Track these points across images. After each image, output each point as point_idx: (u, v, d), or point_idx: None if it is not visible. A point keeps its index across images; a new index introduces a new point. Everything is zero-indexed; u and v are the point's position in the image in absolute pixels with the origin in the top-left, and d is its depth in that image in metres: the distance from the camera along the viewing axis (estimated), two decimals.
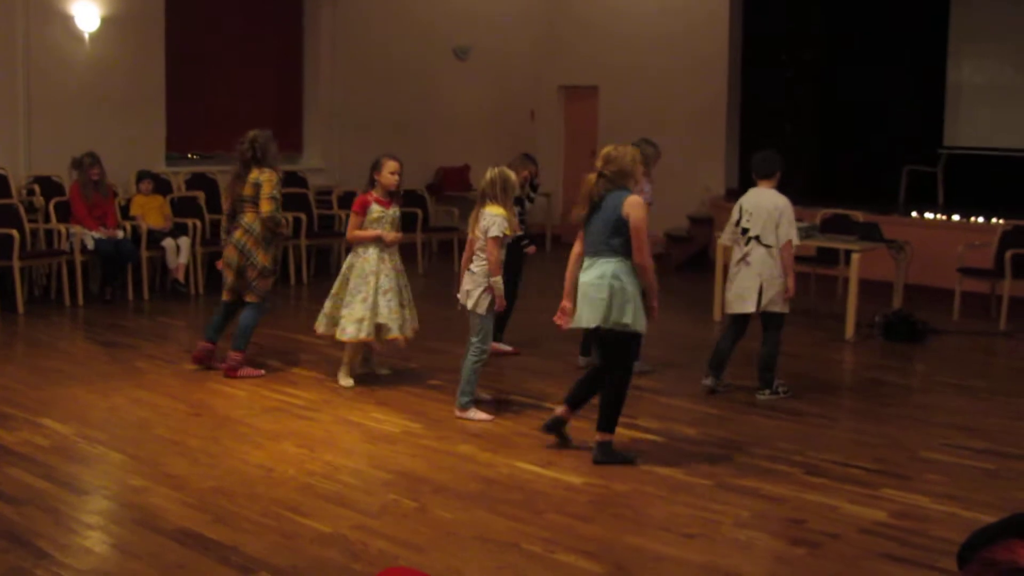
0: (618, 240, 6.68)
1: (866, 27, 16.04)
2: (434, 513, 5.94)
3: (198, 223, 12.92)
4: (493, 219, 7.67)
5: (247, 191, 8.85)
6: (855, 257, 10.81)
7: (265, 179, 8.81)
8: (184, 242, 12.54)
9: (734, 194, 16.38)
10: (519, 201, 9.75)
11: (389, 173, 8.48)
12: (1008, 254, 11.63)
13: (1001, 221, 12.69)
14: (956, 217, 14.00)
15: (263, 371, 9.07)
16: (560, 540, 5.54)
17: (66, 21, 13.09)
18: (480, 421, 7.72)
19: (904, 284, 11.80)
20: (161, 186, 13.24)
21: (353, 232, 8.53)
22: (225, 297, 9.10)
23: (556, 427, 7.09)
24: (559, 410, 7.11)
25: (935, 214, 14.41)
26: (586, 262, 6.83)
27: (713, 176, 16.66)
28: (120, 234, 12.08)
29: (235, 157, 9.05)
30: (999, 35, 15.32)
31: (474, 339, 7.81)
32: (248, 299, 8.97)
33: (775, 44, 16.58)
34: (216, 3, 14.71)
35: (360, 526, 5.69)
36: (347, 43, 15.82)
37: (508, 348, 9.93)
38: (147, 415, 7.82)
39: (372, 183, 8.54)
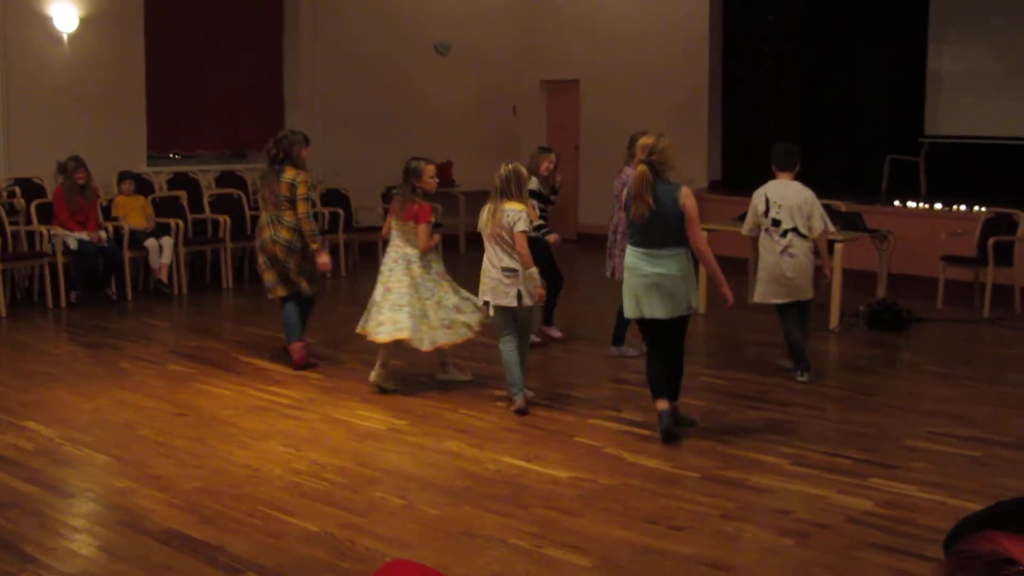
0: (682, 231, 7.04)
1: (847, 16, 16.05)
2: (421, 510, 5.93)
3: (180, 223, 12.87)
4: (518, 215, 7.71)
5: (284, 191, 8.97)
6: (838, 247, 10.80)
7: (300, 180, 8.96)
8: (167, 242, 12.50)
9: (717, 186, 16.44)
10: (543, 199, 9.80)
11: (430, 177, 8.41)
12: (991, 241, 11.65)
13: (983, 209, 12.71)
14: (939, 206, 14.02)
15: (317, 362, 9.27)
16: (547, 535, 5.53)
17: (44, 22, 13.03)
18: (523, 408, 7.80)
19: (888, 273, 11.81)
20: (143, 186, 13.19)
21: (428, 242, 8.32)
22: (280, 293, 9.14)
23: (673, 422, 7.24)
24: (663, 405, 7.21)
25: (918, 203, 14.43)
26: (650, 253, 7.07)
27: (696, 168, 16.66)
28: (103, 236, 12.01)
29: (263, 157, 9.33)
30: (979, 23, 15.34)
31: (527, 334, 8.03)
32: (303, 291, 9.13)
33: (756, 35, 16.58)
34: (195, 2, 14.65)
35: (347, 524, 5.68)
36: (328, 40, 15.77)
37: (558, 334, 10.02)
38: (132, 416, 7.79)
39: (413, 189, 8.33)
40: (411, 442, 7.17)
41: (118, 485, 6.37)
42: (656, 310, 7.04)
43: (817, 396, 8.39)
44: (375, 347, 8.36)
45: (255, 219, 13.74)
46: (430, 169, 8.41)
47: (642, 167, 7.04)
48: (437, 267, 8.42)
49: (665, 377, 7.25)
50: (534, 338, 9.81)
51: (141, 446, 7.11)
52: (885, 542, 5.46)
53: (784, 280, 8.62)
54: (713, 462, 6.73)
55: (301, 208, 8.93)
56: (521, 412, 7.71)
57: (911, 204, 14.36)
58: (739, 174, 16.13)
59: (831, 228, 8.76)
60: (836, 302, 10.71)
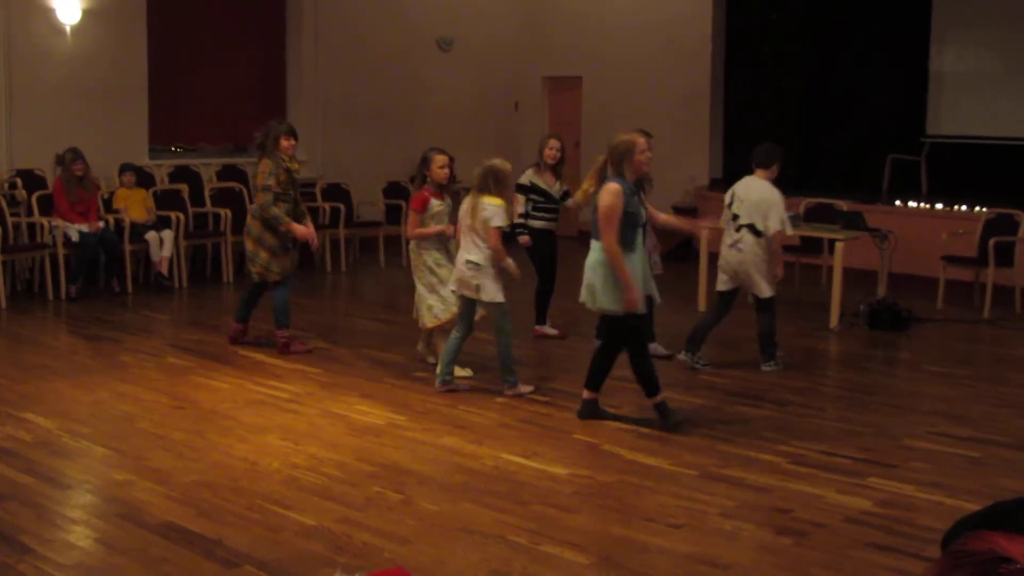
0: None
1: (848, 15, 16.04)
2: (419, 505, 5.93)
3: (181, 216, 12.87)
4: (495, 210, 7.91)
5: (258, 180, 9.33)
6: (839, 246, 10.82)
7: (260, 169, 9.10)
8: (167, 235, 12.50)
9: (718, 184, 16.42)
10: (547, 196, 9.82)
11: (438, 167, 8.50)
12: (991, 242, 11.65)
13: (984, 209, 12.71)
14: (940, 205, 14.01)
15: (311, 348, 9.50)
16: (545, 531, 5.53)
17: (47, 14, 13.03)
18: (527, 393, 8.10)
19: (888, 273, 11.81)
20: (144, 179, 13.19)
21: (416, 230, 8.58)
22: (273, 277, 9.42)
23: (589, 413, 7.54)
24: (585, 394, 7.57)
25: (919, 203, 14.42)
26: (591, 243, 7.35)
27: (697, 166, 16.67)
28: (100, 225, 12.02)
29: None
30: (982, 23, 15.33)
31: (500, 328, 8.08)
32: (272, 280, 9.38)
33: (758, 33, 16.58)
34: None
35: (345, 519, 5.67)
36: (330, 35, 15.76)
37: (554, 331, 10.04)
38: (131, 409, 7.79)
39: (424, 179, 8.57)
40: (409, 437, 7.17)
41: (116, 477, 6.37)
42: (581, 294, 7.39)
43: (816, 395, 8.39)
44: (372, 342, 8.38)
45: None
46: (440, 159, 8.51)
47: (600, 158, 7.31)
48: (428, 257, 8.53)
49: (597, 365, 7.59)
50: (549, 331, 9.90)
51: (140, 439, 7.10)
52: (883, 541, 5.45)
53: (727, 268, 8.93)
54: (711, 460, 6.73)
55: (258, 197, 9.26)
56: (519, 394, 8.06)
57: (912, 204, 14.35)
58: (740, 172, 15.94)
59: (788, 231, 8.94)
60: (836, 301, 10.71)
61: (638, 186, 7.28)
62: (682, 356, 9.04)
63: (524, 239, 9.89)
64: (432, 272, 8.54)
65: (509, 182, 8.11)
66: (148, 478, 6.31)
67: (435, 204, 8.54)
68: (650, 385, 7.37)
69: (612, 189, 7.08)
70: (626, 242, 7.12)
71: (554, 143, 9.97)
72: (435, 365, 8.59)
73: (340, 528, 5.54)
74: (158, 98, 14.10)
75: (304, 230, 9.35)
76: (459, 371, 8.52)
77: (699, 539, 5.48)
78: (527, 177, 9.98)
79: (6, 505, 5.82)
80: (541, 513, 5.81)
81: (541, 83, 18.40)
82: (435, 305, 8.51)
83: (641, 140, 7.20)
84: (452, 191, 8.81)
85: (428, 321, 8.59)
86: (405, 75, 16.60)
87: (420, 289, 8.62)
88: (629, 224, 7.13)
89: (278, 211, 9.13)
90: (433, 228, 8.53)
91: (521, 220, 9.84)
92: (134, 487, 6.17)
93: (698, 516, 5.80)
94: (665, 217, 8.52)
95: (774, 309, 8.99)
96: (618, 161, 7.16)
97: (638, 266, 7.21)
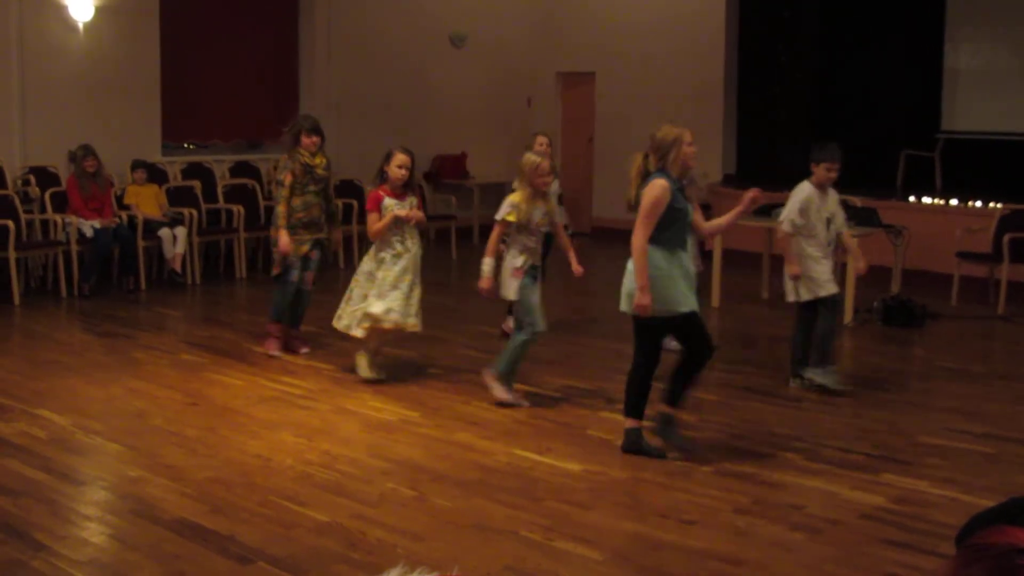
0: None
1: (862, 12, 15.99)
2: (432, 501, 5.93)
3: (194, 213, 12.89)
4: (505, 203, 7.72)
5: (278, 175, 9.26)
6: (853, 242, 10.77)
7: (279, 164, 9.26)
8: (180, 232, 12.51)
9: (731, 180, 16.39)
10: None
11: (395, 166, 8.13)
12: (1006, 238, 11.61)
13: (999, 205, 12.66)
14: (954, 202, 13.96)
15: (276, 353, 9.26)
16: (559, 527, 5.52)
17: (60, 11, 13.05)
18: (500, 398, 7.75)
19: (902, 269, 11.78)
20: (157, 176, 13.21)
21: (372, 227, 8.19)
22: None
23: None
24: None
25: (933, 199, 14.37)
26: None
27: (711, 162, 16.62)
28: (117, 221, 12.06)
29: None
30: (996, 19, 15.27)
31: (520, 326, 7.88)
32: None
33: (772, 30, 16.53)
34: None
35: (358, 515, 5.67)
36: (343, 31, 15.77)
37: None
38: (144, 406, 7.80)
39: (383, 176, 8.23)
40: (423, 434, 7.17)
41: (130, 474, 6.38)
42: (621, 303, 6.80)
43: (830, 391, 8.36)
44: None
45: (269, 209, 13.80)
46: (399, 158, 8.15)
47: (637, 156, 6.76)
48: (367, 265, 8.34)
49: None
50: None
51: (153, 435, 7.11)
52: (897, 538, 5.43)
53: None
54: (726, 456, 6.71)
55: (275, 191, 9.23)
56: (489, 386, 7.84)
57: (926, 200, 14.30)
58: (754, 168, 16.11)
59: (784, 229, 8.33)
60: (850, 297, 10.67)
61: (680, 182, 6.71)
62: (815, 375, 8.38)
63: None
64: (368, 278, 8.31)
65: (528, 175, 7.78)
66: (162, 474, 6.32)
67: (389, 203, 8.14)
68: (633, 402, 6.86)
69: (659, 183, 6.51)
70: (675, 241, 6.61)
71: (542, 139, 9.72)
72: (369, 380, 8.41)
73: (354, 524, 5.54)
74: (170, 95, 14.12)
75: (282, 243, 9.04)
76: (372, 372, 8.48)
77: (712, 536, 5.47)
78: None
79: (20, 501, 5.83)
80: (555, 509, 5.80)
81: (554, 79, 18.38)
82: (344, 314, 8.37)
83: (688, 132, 6.78)
84: (415, 192, 8.36)
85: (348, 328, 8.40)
86: (418, 71, 16.60)
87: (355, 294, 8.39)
88: (677, 221, 6.61)
89: (280, 209, 9.05)
90: (387, 217, 8.11)
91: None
92: (148, 483, 6.18)
93: (711, 513, 5.79)
94: (710, 225, 7.53)
95: (806, 315, 8.42)
96: (664, 154, 6.59)
97: (688, 266, 6.72)
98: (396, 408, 7.74)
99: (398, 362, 9.02)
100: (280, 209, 9.07)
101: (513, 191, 7.80)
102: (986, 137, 15.17)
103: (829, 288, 8.29)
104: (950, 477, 6.36)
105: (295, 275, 9.16)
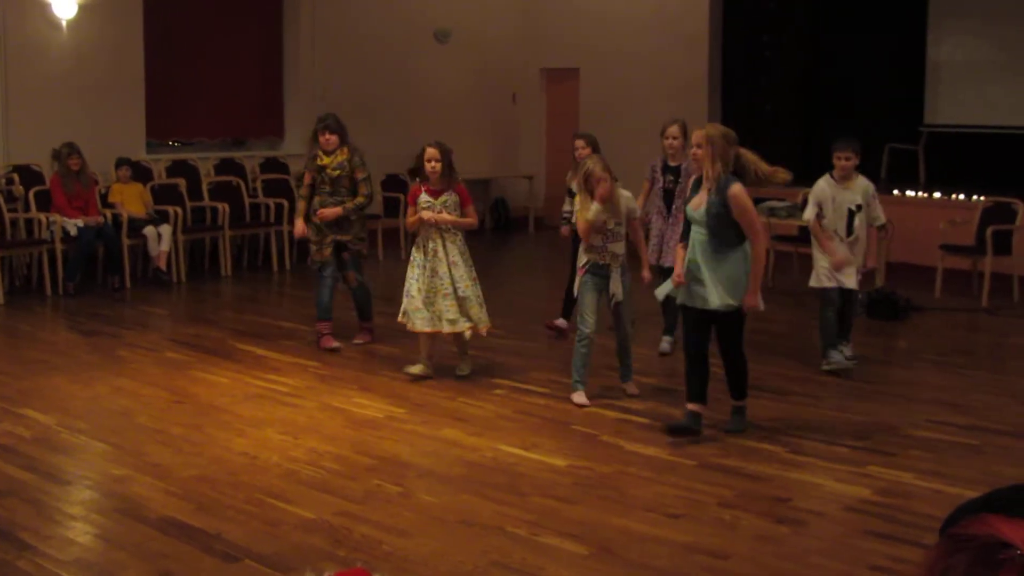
0: None
1: (846, 5, 16.02)
2: (418, 498, 5.93)
3: (179, 211, 12.86)
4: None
5: None
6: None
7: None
8: (165, 230, 12.48)
9: None
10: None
11: (425, 161, 8.24)
12: (989, 231, 11.64)
13: (982, 198, 12.71)
14: (937, 195, 14.00)
15: (334, 345, 9.30)
16: (545, 523, 5.53)
17: (43, 9, 12.99)
18: (577, 403, 7.70)
19: (886, 262, 11.81)
20: (141, 174, 13.17)
21: (408, 219, 8.49)
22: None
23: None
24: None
25: (916, 192, 14.41)
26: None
27: None
28: (102, 219, 12.03)
29: None
30: (979, 11, 15.30)
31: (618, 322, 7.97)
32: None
33: (756, 23, 16.55)
34: None
35: (344, 512, 5.67)
36: (327, 27, 15.74)
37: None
38: (129, 404, 7.79)
39: (420, 173, 8.33)
40: (409, 430, 7.17)
41: (115, 473, 6.37)
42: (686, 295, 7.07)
43: (814, 384, 8.38)
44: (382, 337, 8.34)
45: (254, 207, 13.82)
46: (426, 152, 8.28)
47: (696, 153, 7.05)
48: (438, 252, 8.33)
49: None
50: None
51: (138, 434, 7.10)
52: (882, 530, 5.46)
53: None
54: (710, 450, 6.73)
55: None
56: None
57: (910, 193, 14.35)
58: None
59: (805, 216, 8.75)
60: None
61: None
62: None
63: (564, 229, 9.67)
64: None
65: (587, 180, 7.61)
66: (147, 473, 6.31)
67: (423, 199, 8.24)
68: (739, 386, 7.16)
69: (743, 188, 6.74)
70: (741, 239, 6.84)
71: (578, 142, 9.81)
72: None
73: (339, 521, 5.54)
74: (155, 92, 14.07)
75: (297, 230, 9.48)
76: (412, 368, 8.45)
77: (698, 529, 5.48)
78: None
79: (5, 501, 5.82)
80: (540, 504, 5.81)
81: (539, 75, 18.38)
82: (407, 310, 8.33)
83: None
84: (452, 186, 8.34)
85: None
86: (402, 67, 16.58)
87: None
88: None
89: (299, 204, 9.37)
90: (417, 215, 8.23)
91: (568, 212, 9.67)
92: (133, 482, 6.17)
93: (697, 506, 5.80)
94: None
95: (823, 304, 8.62)
96: (726, 153, 6.77)
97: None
98: (381, 405, 7.74)
99: (388, 358, 9.02)
100: (298, 205, 9.49)
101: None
102: (969, 130, 15.21)
103: (823, 282, 8.50)
104: (934, 469, 6.38)
105: (329, 272, 9.28)
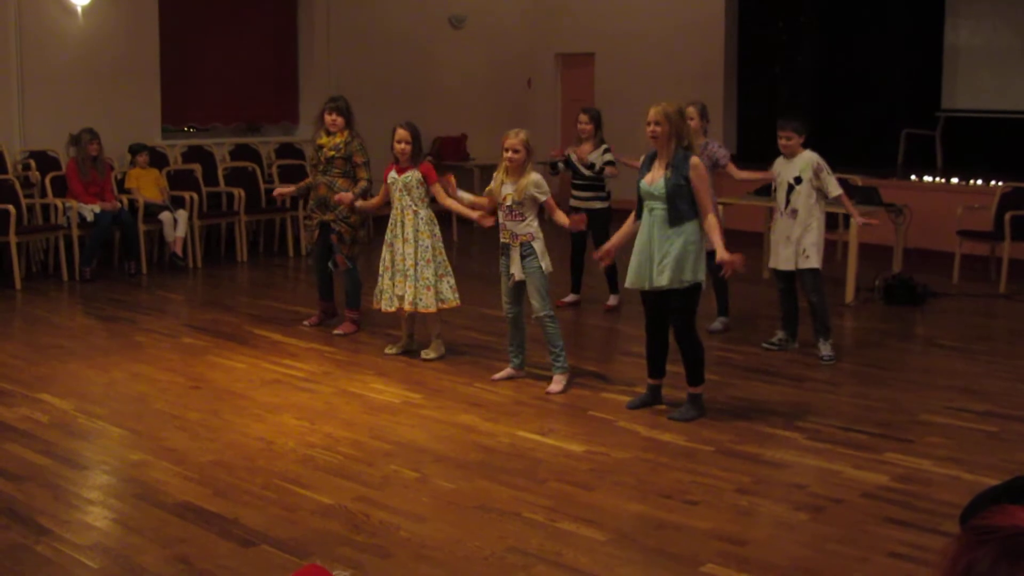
0: None
1: None
2: (435, 483, 5.93)
3: (195, 196, 12.87)
4: None
5: None
6: (854, 221, 10.75)
7: None
8: (181, 215, 12.50)
9: (732, 160, 16.32)
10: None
11: (395, 142, 8.42)
12: (1007, 216, 11.59)
13: (1000, 183, 12.64)
14: (955, 180, 13.94)
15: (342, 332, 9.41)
16: (562, 508, 5.53)
17: None
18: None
19: (904, 248, 11.76)
20: (157, 159, 13.19)
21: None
22: None
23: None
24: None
25: (934, 177, 14.35)
26: None
27: None
28: (118, 205, 12.06)
29: None
30: None
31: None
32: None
33: (772, 8, 16.48)
34: None
35: (361, 497, 5.68)
36: (342, 13, 15.71)
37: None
38: (146, 389, 7.81)
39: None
40: (425, 415, 7.17)
41: (132, 458, 6.38)
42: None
43: (832, 370, 8.36)
44: (390, 320, 8.36)
45: (269, 192, 13.81)
46: (396, 133, 8.44)
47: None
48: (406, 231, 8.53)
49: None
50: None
51: (155, 419, 7.12)
52: (900, 517, 5.44)
53: None
54: (728, 436, 6.72)
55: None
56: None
57: (927, 178, 14.28)
58: (754, 148, 16.04)
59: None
60: (852, 276, 10.66)
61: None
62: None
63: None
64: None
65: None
66: (164, 458, 6.32)
67: (391, 176, 8.49)
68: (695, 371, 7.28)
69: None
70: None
71: (582, 117, 10.17)
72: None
73: (357, 507, 5.54)
74: (170, 78, 14.07)
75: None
76: (389, 348, 8.73)
77: (715, 515, 5.47)
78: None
79: (23, 486, 5.84)
80: (557, 490, 5.81)
81: (554, 60, 18.34)
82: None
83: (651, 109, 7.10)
84: (418, 164, 8.44)
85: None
86: (417, 53, 16.55)
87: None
88: None
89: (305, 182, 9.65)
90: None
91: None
92: (150, 467, 6.18)
93: (714, 492, 5.79)
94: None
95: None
96: (681, 129, 7.03)
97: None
98: (398, 390, 7.74)
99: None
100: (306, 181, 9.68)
101: None
102: (987, 115, 15.14)
103: (773, 261, 8.78)
104: (952, 455, 6.36)
105: (319, 257, 9.45)
